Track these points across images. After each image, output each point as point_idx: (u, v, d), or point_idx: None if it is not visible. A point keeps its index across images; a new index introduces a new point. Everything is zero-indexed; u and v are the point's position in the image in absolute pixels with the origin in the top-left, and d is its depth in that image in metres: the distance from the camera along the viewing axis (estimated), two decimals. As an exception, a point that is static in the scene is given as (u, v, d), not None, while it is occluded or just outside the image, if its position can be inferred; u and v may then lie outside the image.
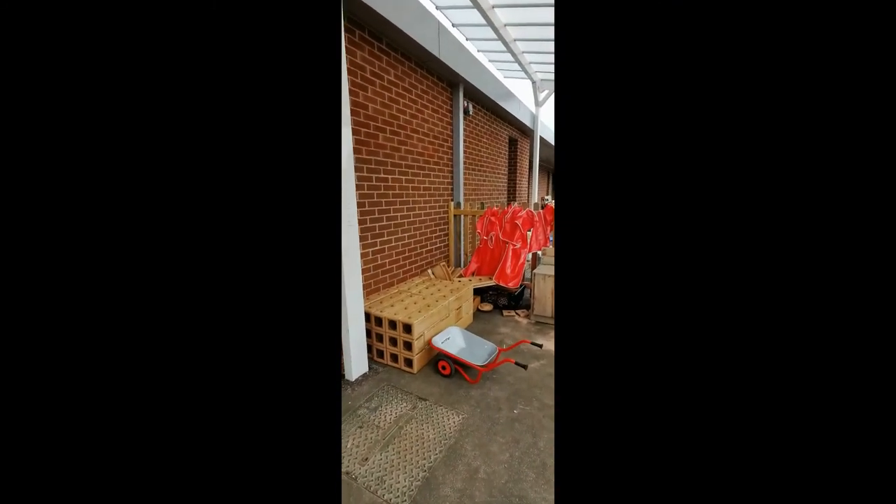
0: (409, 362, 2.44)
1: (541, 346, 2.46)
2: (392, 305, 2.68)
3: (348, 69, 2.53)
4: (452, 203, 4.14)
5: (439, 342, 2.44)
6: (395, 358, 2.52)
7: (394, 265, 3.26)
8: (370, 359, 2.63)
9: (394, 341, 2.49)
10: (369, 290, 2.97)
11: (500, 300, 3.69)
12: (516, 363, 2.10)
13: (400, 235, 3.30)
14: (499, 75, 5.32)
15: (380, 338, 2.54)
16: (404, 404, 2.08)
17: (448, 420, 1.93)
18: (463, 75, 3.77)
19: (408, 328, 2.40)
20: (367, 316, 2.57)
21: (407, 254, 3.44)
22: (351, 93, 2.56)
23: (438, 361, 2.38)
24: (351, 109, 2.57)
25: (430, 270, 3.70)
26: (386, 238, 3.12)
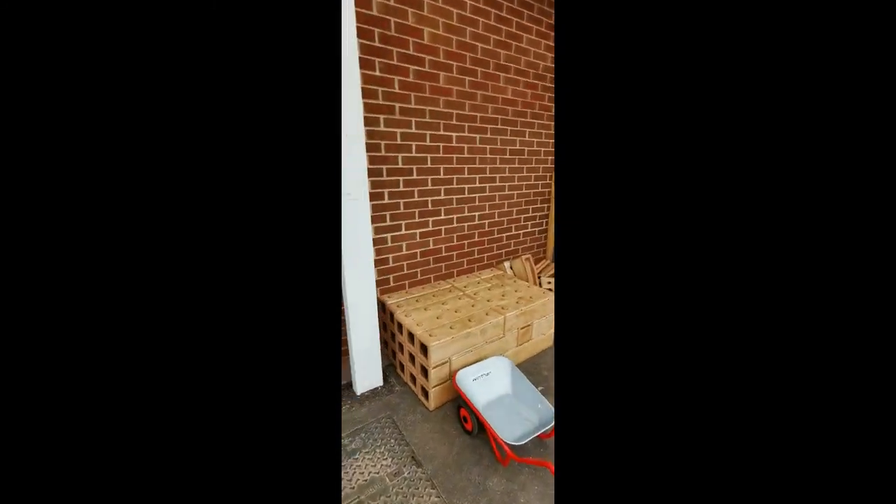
0: (426, 392, 1.78)
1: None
2: (425, 309, 2.03)
3: (393, -23, 1.80)
4: (559, 173, 2.98)
5: (467, 379, 1.66)
6: (413, 380, 1.90)
7: (454, 251, 2.55)
8: (391, 370, 2.10)
9: (413, 359, 1.86)
10: (413, 280, 2.39)
11: (605, 322, 2.49)
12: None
13: (467, 214, 2.53)
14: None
15: (402, 348, 1.96)
16: (388, 461, 1.47)
17: (429, 522, 1.21)
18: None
19: (424, 349, 1.71)
20: (392, 315, 2.01)
21: (477, 238, 2.65)
22: (390, 11, 1.85)
23: (461, 407, 1.63)
24: (380, 35, 1.87)
25: (507, 263, 2.81)
26: (444, 217, 2.41)
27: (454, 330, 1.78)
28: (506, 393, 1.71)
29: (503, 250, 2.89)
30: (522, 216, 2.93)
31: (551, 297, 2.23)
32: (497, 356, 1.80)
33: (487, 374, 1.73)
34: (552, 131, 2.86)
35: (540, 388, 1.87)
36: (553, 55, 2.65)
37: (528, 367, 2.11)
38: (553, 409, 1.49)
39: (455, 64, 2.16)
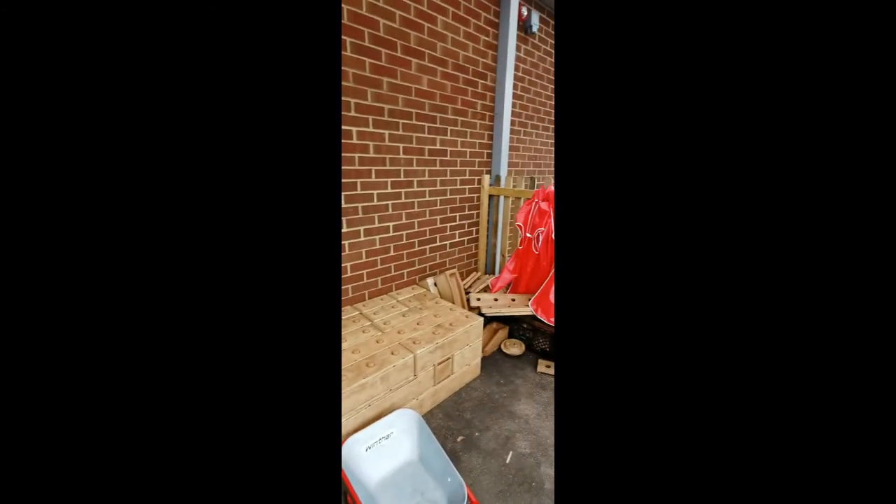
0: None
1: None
2: (316, 350, 1.59)
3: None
4: (488, 177, 2.71)
5: (359, 449, 1.27)
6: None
7: (363, 270, 2.13)
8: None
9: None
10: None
11: (537, 341, 2.27)
12: None
13: (379, 225, 2.13)
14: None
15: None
16: None
17: None
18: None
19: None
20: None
21: (393, 252, 2.27)
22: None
23: (346, 494, 1.23)
24: None
25: (431, 280, 2.46)
26: (352, 228, 1.98)
27: (345, 381, 1.37)
28: (410, 459, 1.35)
29: (429, 263, 2.54)
30: (451, 224, 2.61)
31: (477, 321, 1.92)
32: (401, 410, 1.43)
33: (388, 435, 1.35)
34: (476, 129, 2.57)
35: (459, 439, 1.55)
36: (473, 45, 2.34)
37: (449, 408, 1.78)
38: (461, 483, 1.16)
39: (368, 60, 1.74)
